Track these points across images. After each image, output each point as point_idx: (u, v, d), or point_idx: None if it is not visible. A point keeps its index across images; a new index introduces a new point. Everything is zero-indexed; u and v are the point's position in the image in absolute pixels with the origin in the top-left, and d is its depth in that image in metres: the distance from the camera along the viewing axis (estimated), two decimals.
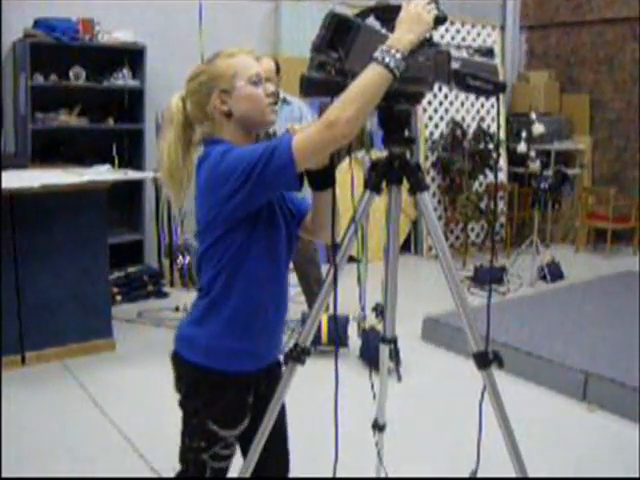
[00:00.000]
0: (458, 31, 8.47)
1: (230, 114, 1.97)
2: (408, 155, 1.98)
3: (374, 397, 2.29)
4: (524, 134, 7.35)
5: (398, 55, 1.73)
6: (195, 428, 2.07)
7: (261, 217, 1.92)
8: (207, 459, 2.06)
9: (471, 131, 8.23)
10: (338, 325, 4.27)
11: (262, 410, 2.09)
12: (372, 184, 1.95)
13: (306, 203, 2.12)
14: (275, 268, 2.01)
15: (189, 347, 2.08)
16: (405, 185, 2.00)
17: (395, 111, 1.92)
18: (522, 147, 7.32)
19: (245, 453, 2.14)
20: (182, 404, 2.13)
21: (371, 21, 1.89)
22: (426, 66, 1.80)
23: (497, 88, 1.80)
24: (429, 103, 8.25)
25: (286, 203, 2.07)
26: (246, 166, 1.79)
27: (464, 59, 1.80)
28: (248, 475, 2.10)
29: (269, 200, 1.92)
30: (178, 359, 2.11)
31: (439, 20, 1.80)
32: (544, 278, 6.94)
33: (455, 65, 1.79)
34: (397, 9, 1.81)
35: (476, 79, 1.79)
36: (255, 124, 2.00)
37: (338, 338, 4.57)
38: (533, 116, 7.39)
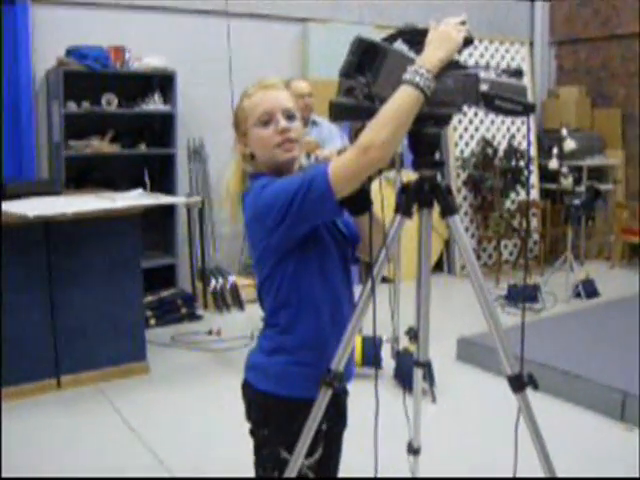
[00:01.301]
0: (487, 48, 8.46)
1: (253, 155, 2.01)
2: (439, 178, 1.97)
3: (407, 419, 2.27)
4: (555, 150, 7.30)
5: (427, 74, 1.73)
6: (267, 457, 2.05)
7: (309, 243, 1.93)
8: None
9: (502, 149, 8.19)
10: (377, 347, 4.20)
11: (333, 440, 2.09)
12: (403, 208, 1.95)
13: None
14: (331, 292, 2.02)
15: (260, 376, 2.05)
16: (436, 207, 2.00)
17: (424, 134, 1.91)
18: (554, 164, 7.27)
19: None
20: (253, 433, 2.10)
21: (399, 45, 1.90)
22: (455, 89, 1.80)
23: (526, 109, 1.80)
24: (459, 122, 8.23)
25: (337, 226, 2.07)
26: (285, 199, 1.80)
27: (492, 81, 1.80)
28: None
29: (315, 225, 1.92)
30: (248, 388, 2.09)
31: (467, 41, 1.80)
32: (579, 295, 6.86)
33: (484, 87, 1.78)
34: (425, 32, 1.82)
35: (505, 101, 1.78)
36: (271, 165, 1.99)
37: (376, 360, 4.55)
38: (564, 132, 7.34)
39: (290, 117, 1.99)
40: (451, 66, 1.79)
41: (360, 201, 1.94)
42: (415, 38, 1.86)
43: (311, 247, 1.95)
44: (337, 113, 1.86)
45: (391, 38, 1.90)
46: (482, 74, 1.80)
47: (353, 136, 1.83)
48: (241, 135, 2.02)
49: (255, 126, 1.98)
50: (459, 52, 1.80)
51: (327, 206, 1.79)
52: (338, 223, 2.09)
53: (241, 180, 2.07)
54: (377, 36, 1.93)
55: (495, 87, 1.78)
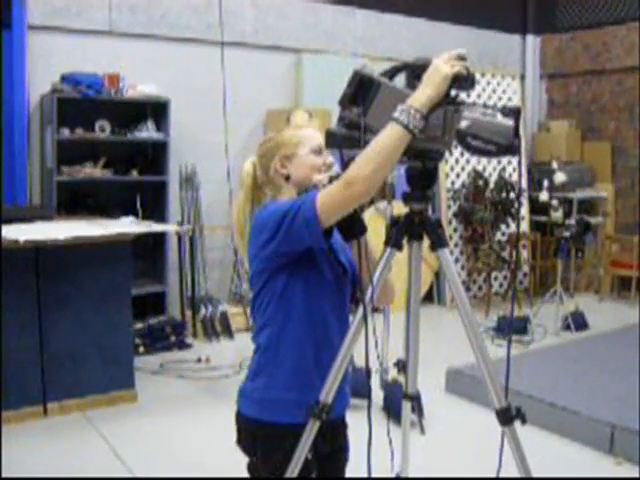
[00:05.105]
0: (478, 81, 8.51)
1: (288, 177, 2.08)
2: (429, 211, 1.99)
3: (392, 451, 2.28)
4: (546, 183, 7.35)
5: (414, 113, 1.76)
6: None
7: (303, 264, 1.99)
8: None
9: (492, 181, 8.24)
10: (368, 378, 4.17)
11: (328, 470, 2.10)
12: (393, 240, 1.97)
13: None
14: (318, 316, 2.04)
15: (245, 402, 2.09)
16: (426, 240, 2.01)
17: (414, 169, 1.94)
18: (544, 196, 7.31)
19: None
20: (248, 466, 2.11)
21: (401, 79, 1.92)
22: (437, 125, 1.81)
23: (500, 149, 1.78)
24: (450, 153, 8.27)
25: (336, 255, 2.10)
26: (276, 219, 1.89)
27: (474, 119, 1.78)
28: None
29: (309, 248, 1.96)
30: (238, 416, 2.12)
31: (458, 78, 1.79)
32: (568, 328, 6.86)
33: (462, 124, 1.79)
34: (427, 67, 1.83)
35: (477, 139, 1.77)
36: (306, 185, 2.07)
37: (368, 392, 4.53)
38: (555, 165, 7.41)
39: None
40: (443, 102, 1.80)
41: (352, 226, 1.98)
42: (418, 72, 1.86)
43: (304, 269, 1.99)
44: (330, 141, 1.94)
45: (393, 71, 1.93)
46: (466, 111, 1.80)
47: (346, 165, 1.85)
48: (284, 158, 2.08)
49: (311, 153, 2.08)
50: (459, 88, 1.81)
51: (311, 232, 1.85)
52: (340, 255, 2.12)
53: (250, 208, 2.16)
54: (375, 69, 1.96)
55: (475, 125, 1.78)
